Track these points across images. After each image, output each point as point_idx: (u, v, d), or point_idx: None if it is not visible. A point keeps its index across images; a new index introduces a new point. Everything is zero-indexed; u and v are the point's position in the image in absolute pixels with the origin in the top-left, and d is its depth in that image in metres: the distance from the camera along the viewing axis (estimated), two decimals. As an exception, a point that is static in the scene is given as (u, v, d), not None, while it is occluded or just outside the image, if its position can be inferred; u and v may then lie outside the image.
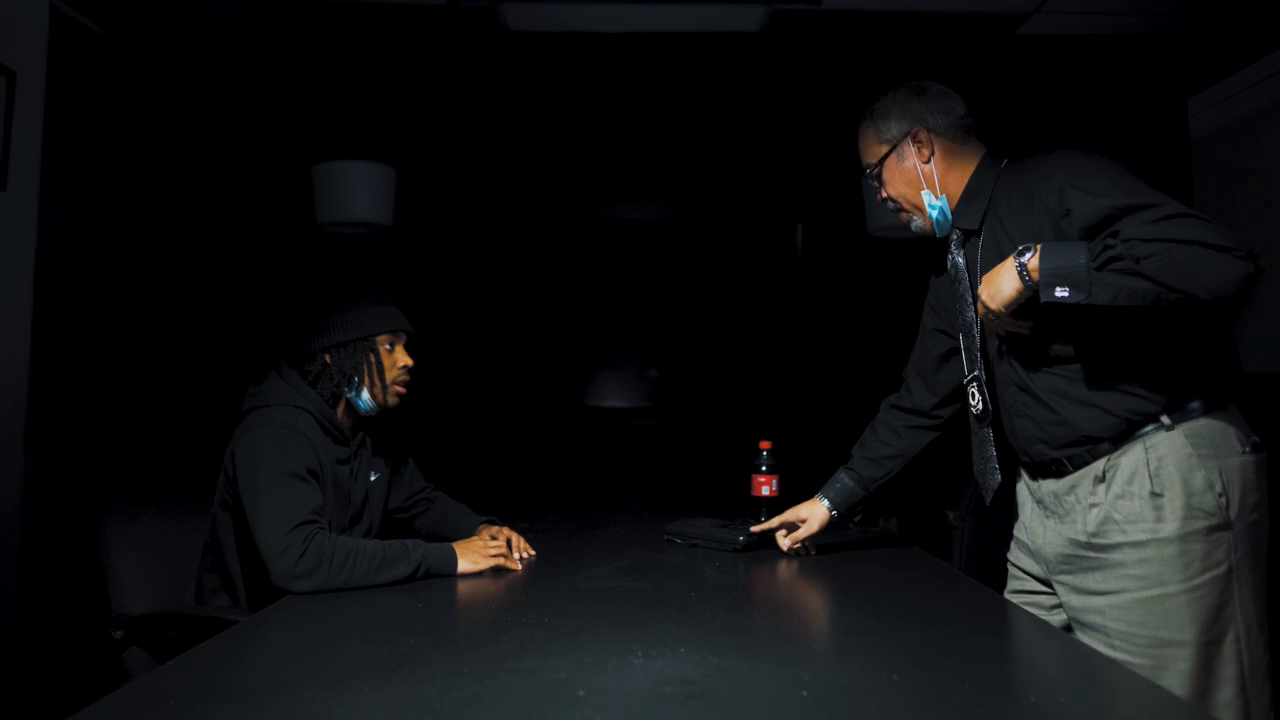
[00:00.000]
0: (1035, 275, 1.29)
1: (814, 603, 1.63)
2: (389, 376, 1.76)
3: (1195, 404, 1.36)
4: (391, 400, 1.78)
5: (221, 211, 3.26)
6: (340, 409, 1.76)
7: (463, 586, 1.54)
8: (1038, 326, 1.39)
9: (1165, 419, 1.35)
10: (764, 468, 2.10)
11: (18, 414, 2.18)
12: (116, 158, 3.17)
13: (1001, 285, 1.34)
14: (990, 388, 1.57)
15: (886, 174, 1.60)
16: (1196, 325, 1.38)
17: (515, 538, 1.76)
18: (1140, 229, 1.22)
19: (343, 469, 1.73)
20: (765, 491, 2.09)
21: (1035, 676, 1.20)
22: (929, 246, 3.28)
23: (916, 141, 1.56)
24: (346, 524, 1.74)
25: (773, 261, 3.51)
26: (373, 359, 1.75)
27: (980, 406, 1.56)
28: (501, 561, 1.64)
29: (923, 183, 1.56)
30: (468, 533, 1.84)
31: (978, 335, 1.56)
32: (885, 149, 1.59)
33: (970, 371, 1.59)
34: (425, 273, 3.19)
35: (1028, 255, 1.30)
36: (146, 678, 1.06)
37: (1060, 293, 1.26)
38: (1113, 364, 1.38)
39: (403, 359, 1.78)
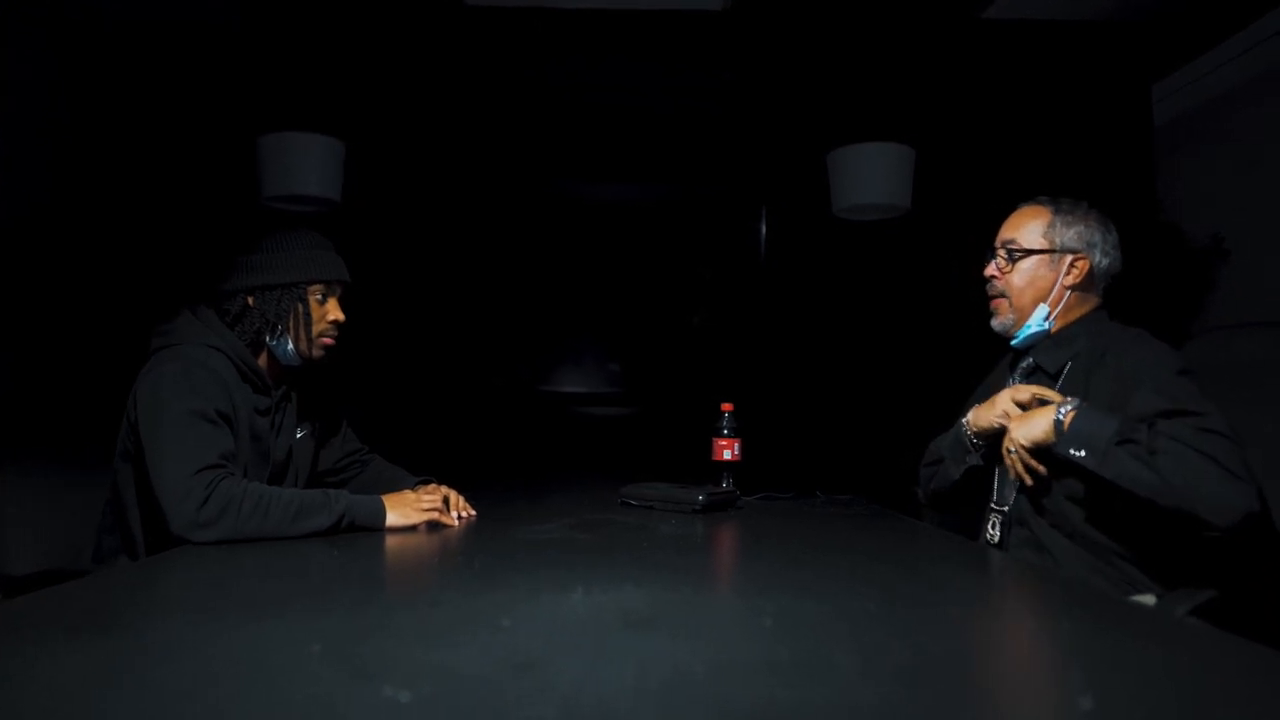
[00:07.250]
0: (1066, 428, 1.31)
1: (778, 551, 1.48)
2: (316, 329, 1.59)
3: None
4: (316, 353, 1.61)
5: (157, 184, 3.08)
6: (263, 357, 1.60)
7: (390, 539, 1.38)
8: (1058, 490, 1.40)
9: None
10: (725, 431, 1.97)
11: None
12: (62, 132, 2.99)
13: (1035, 426, 1.36)
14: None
15: (1025, 264, 1.56)
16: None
17: (453, 495, 1.60)
18: (1171, 428, 1.23)
19: (262, 420, 1.57)
20: (727, 456, 1.96)
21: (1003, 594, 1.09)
22: (888, 231, 3.20)
23: (1075, 265, 1.53)
24: (265, 481, 1.57)
25: (736, 242, 3.42)
26: (300, 309, 1.58)
27: (995, 537, 1.54)
28: (436, 516, 1.48)
29: (1049, 298, 1.53)
30: (402, 493, 1.67)
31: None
32: (1045, 246, 1.55)
33: (992, 502, 1.58)
34: (375, 252, 3.03)
35: (1067, 410, 1.32)
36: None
37: (1076, 452, 1.29)
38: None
39: (334, 313, 1.61)
